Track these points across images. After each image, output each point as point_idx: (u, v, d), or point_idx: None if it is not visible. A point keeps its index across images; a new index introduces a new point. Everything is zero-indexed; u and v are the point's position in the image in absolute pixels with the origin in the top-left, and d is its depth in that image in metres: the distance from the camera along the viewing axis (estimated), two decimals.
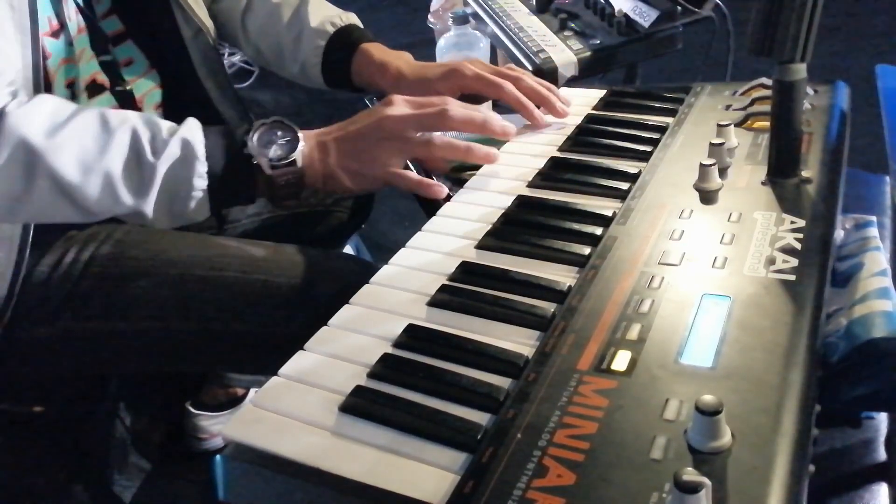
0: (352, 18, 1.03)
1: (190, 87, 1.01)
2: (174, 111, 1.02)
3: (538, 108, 0.90)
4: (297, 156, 0.76)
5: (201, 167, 0.73)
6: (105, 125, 0.72)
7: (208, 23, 1.01)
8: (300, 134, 0.77)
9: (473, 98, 0.90)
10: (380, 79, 0.96)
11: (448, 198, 0.78)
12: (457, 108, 0.78)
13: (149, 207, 0.73)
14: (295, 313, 0.82)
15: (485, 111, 0.82)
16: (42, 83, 0.80)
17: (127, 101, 0.93)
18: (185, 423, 1.36)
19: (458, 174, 0.96)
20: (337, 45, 1.00)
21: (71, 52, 0.88)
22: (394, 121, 0.77)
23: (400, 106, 0.78)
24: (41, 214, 0.74)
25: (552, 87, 0.92)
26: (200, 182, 0.73)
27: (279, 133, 0.76)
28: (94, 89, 0.91)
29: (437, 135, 0.79)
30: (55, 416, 1.00)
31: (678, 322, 0.52)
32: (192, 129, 0.74)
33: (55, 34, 0.85)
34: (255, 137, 0.75)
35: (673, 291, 0.55)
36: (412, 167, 0.84)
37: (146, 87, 0.98)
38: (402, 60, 0.96)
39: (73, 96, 0.89)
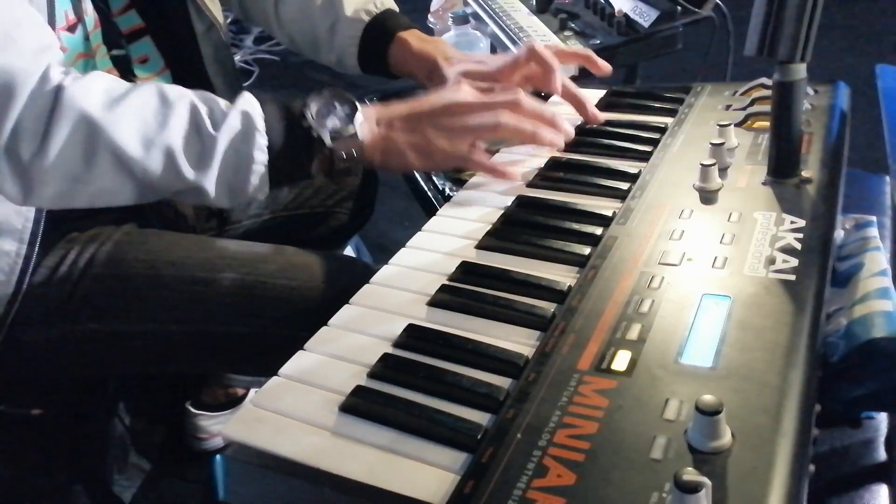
0: (387, 3, 1.01)
1: (198, 85, 1.01)
2: None
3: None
4: (358, 128, 0.73)
5: (262, 139, 0.71)
6: (164, 98, 0.70)
7: (220, 18, 1.00)
8: (359, 105, 0.74)
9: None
10: (418, 70, 0.96)
11: (448, 198, 0.78)
12: (528, 100, 0.77)
13: (210, 182, 0.71)
14: (295, 314, 0.82)
15: (552, 108, 0.81)
16: None
17: None
18: (185, 423, 1.36)
19: (458, 174, 0.96)
20: (373, 34, 0.98)
21: (88, 47, 0.87)
22: (465, 104, 0.76)
23: (468, 92, 0.77)
24: (102, 194, 0.71)
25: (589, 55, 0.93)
26: (261, 155, 0.71)
27: (337, 105, 0.74)
28: None
29: (506, 111, 0.76)
30: (55, 417, 1.00)
31: (678, 322, 0.52)
32: (250, 101, 0.72)
33: (71, 28, 0.85)
34: (314, 109, 0.73)
35: (673, 291, 0.55)
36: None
37: None
38: (439, 50, 0.95)
39: None
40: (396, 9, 1.02)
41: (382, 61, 0.98)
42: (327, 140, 0.73)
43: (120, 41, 0.90)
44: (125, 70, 0.91)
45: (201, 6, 0.96)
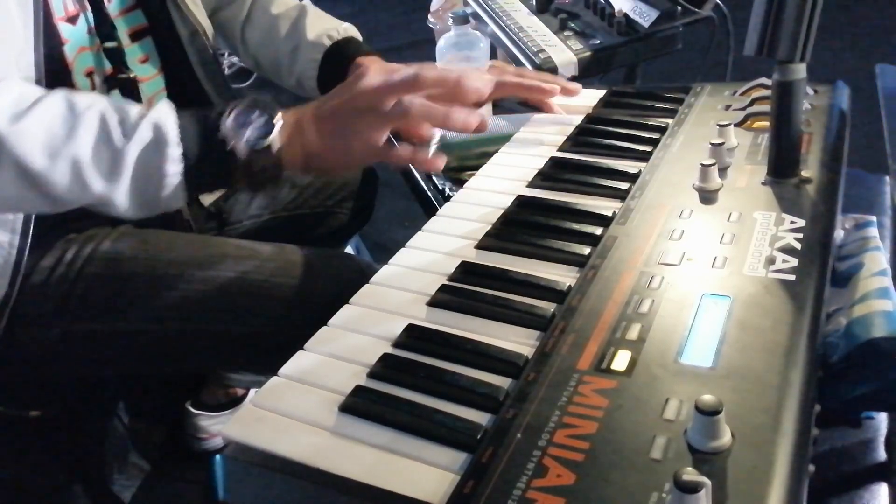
0: (350, 31, 1.02)
1: (192, 90, 1.01)
2: None
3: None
4: (273, 140, 0.71)
5: (174, 151, 0.69)
6: (72, 108, 0.69)
7: (205, 23, 1.01)
8: (277, 115, 0.72)
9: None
10: None
11: (448, 198, 0.78)
12: (429, 70, 0.74)
13: (120, 194, 0.70)
14: (294, 314, 0.82)
15: (457, 71, 0.77)
16: (57, 68, 0.79)
17: (129, 89, 0.92)
18: (185, 423, 1.36)
19: (458, 174, 0.96)
20: (333, 58, 0.99)
21: (92, 40, 0.87)
22: (369, 91, 0.72)
23: (374, 75, 0.74)
24: (7, 205, 0.71)
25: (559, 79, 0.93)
26: (174, 167, 0.70)
27: (255, 114, 0.72)
28: (112, 82, 0.91)
29: (416, 99, 0.73)
30: (55, 417, 1.00)
31: (678, 322, 0.52)
32: (164, 112, 0.71)
33: (72, 20, 0.85)
34: (230, 120, 0.71)
35: (673, 291, 0.55)
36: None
37: (156, 88, 0.98)
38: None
39: (92, 86, 0.88)
40: (360, 37, 1.02)
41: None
42: (241, 152, 0.71)
43: (112, 32, 0.90)
44: (118, 63, 0.91)
45: (185, 11, 0.96)
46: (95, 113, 0.69)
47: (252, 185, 0.74)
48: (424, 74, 0.73)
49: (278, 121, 0.72)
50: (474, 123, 0.74)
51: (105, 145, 0.68)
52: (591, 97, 0.94)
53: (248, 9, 1.08)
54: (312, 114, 0.74)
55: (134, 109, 0.70)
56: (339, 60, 0.99)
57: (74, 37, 0.85)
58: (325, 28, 1.01)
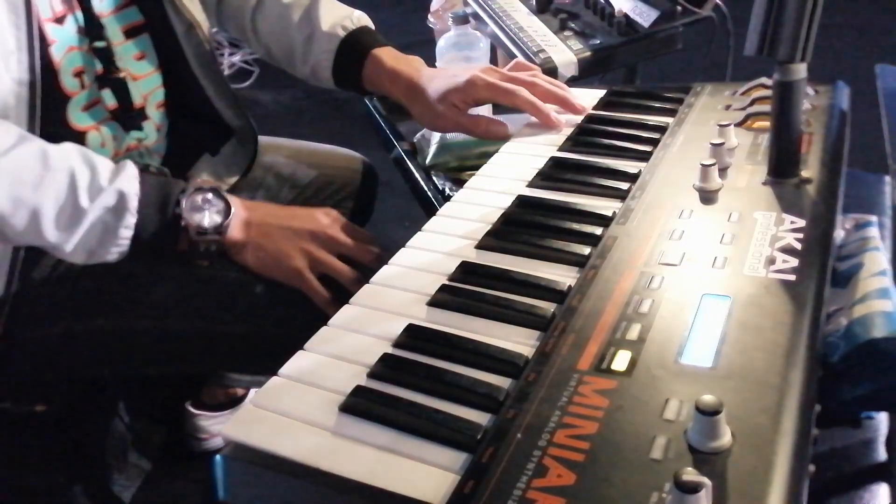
0: (363, 20, 1.02)
1: (188, 86, 1.01)
2: (176, 111, 1.01)
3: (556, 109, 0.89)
4: (224, 229, 0.79)
5: (131, 219, 0.75)
6: (45, 162, 0.73)
7: (201, 18, 1.00)
8: (233, 208, 0.79)
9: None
10: (391, 87, 0.96)
11: (448, 198, 0.78)
12: (346, 233, 0.83)
13: (70, 245, 0.74)
14: (295, 313, 0.82)
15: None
16: (44, 69, 0.79)
17: (120, 90, 0.92)
18: (185, 423, 1.36)
19: (458, 174, 0.96)
20: (348, 49, 0.99)
21: (81, 40, 0.87)
22: (323, 235, 0.81)
23: (334, 225, 0.83)
24: None
25: (565, 87, 0.92)
26: (126, 232, 0.75)
27: (212, 200, 0.79)
28: (104, 81, 0.91)
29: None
30: (55, 416, 1.00)
31: (678, 322, 0.52)
32: (130, 178, 0.76)
33: (59, 20, 0.85)
34: (190, 201, 0.78)
35: (673, 291, 0.55)
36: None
37: (152, 86, 0.97)
38: (413, 68, 0.95)
39: (82, 86, 0.88)
40: (373, 26, 1.03)
41: (356, 77, 0.99)
42: (192, 234, 0.78)
43: (101, 32, 0.90)
44: (107, 63, 0.91)
45: (179, 6, 0.96)
46: (66, 170, 0.73)
47: (190, 256, 0.80)
48: (343, 237, 0.83)
49: (232, 213, 0.79)
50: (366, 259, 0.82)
51: (69, 203, 0.73)
52: (591, 97, 0.94)
53: None
54: (262, 213, 0.83)
55: (105, 170, 0.75)
56: (353, 51, 0.99)
57: (61, 37, 0.85)
58: (340, 17, 1.01)
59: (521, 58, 1.09)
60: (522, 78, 0.89)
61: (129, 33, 0.94)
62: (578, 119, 0.88)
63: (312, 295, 0.80)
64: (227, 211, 0.79)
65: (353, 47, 0.99)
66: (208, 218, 0.78)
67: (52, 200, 0.72)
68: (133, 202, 0.75)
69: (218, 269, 0.84)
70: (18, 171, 0.71)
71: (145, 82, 0.96)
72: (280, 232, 0.81)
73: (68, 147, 0.76)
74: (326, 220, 0.83)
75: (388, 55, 0.97)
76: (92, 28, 0.88)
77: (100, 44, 0.89)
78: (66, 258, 0.77)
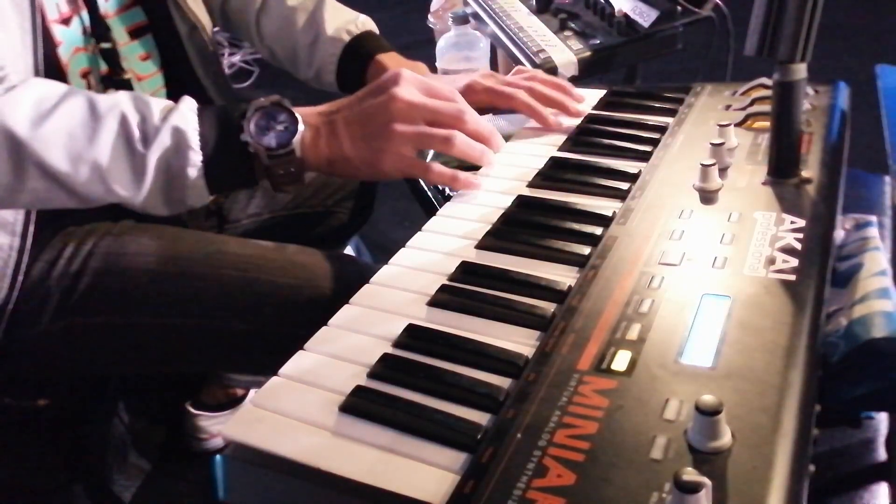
0: (368, 25, 1.02)
1: (191, 87, 1.01)
2: None
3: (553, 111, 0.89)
4: (296, 144, 0.72)
5: (195, 157, 0.70)
6: (93, 111, 0.69)
7: (204, 19, 1.01)
8: (299, 117, 0.72)
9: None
10: None
11: (448, 198, 0.78)
12: (474, 116, 0.76)
13: (142, 196, 0.71)
14: (294, 313, 0.82)
15: (490, 127, 0.79)
16: (52, 70, 0.79)
17: (125, 90, 0.92)
18: (185, 423, 1.36)
19: None
20: (352, 54, 0.99)
21: (87, 41, 0.87)
22: (405, 104, 0.72)
23: (409, 87, 0.74)
24: (37, 201, 0.71)
25: (564, 85, 0.91)
26: (194, 171, 0.70)
27: (278, 117, 0.72)
28: (109, 82, 0.91)
29: (459, 134, 0.74)
30: (55, 415, 1.00)
31: (678, 322, 0.52)
32: (186, 114, 0.71)
33: (66, 21, 0.85)
34: (253, 123, 0.71)
35: (673, 291, 0.55)
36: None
37: (156, 86, 0.98)
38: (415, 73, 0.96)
39: (89, 87, 0.88)
40: (377, 31, 1.03)
41: (359, 81, 0.99)
42: (263, 158, 0.71)
43: (107, 33, 0.90)
44: (113, 64, 0.91)
45: (183, 7, 0.96)
46: (116, 116, 0.69)
47: (274, 185, 0.74)
48: (469, 120, 0.75)
49: (301, 123, 0.72)
50: (491, 165, 0.77)
51: (126, 151, 0.69)
52: (591, 97, 0.94)
53: None
54: (344, 115, 0.74)
55: (157, 109, 0.71)
56: (358, 56, 0.99)
57: (68, 38, 0.85)
58: (344, 21, 1.01)
59: (521, 58, 1.10)
60: (520, 82, 0.88)
61: (134, 34, 0.94)
62: (578, 119, 0.88)
63: (436, 178, 0.75)
64: (294, 124, 0.72)
65: (358, 52, 0.99)
66: (275, 137, 0.71)
67: (108, 150, 0.68)
68: (193, 138, 0.69)
69: (217, 268, 0.84)
70: (69, 126, 0.68)
71: (150, 82, 0.96)
72: (364, 127, 0.73)
73: (118, 93, 0.72)
74: (405, 89, 0.73)
75: (391, 60, 0.98)
76: (98, 29, 0.89)
77: (106, 45, 0.90)
78: (149, 211, 0.73)
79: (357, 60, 0.99)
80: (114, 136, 0.69)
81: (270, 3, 1.06)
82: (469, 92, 0.88)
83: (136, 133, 0.69)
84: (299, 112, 0.73)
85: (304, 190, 1.13)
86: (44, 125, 0.67)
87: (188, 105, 0.72)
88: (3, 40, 0.73)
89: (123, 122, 0.69)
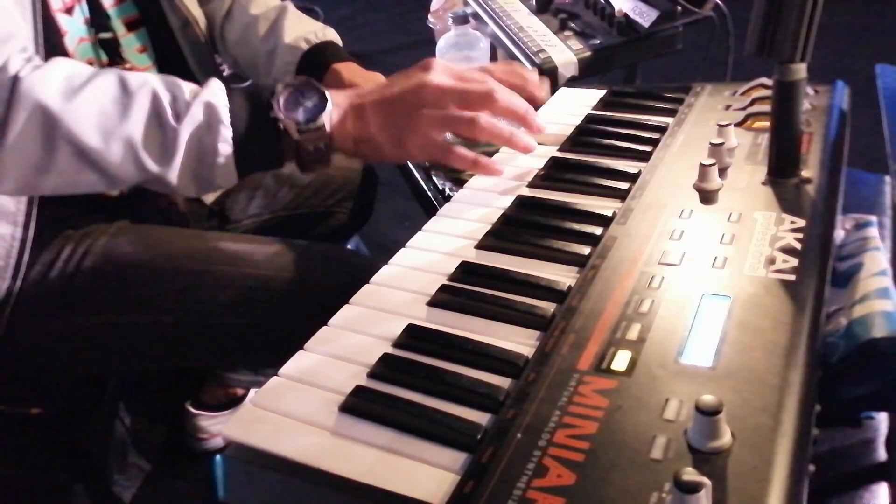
0: (329, 35, 1.02)
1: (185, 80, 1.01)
2: None
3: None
4: (325, 119, 0.72)
5: (226, 132, 0.70)
6: (125, 88, 0.69)
7: (197, 13, 1.00)
8: (329, 95, 0.73)
9: None
10: None
11: (448, 198, 0.78)
12: (504, 93, 0.74)
13: (173, 174, 0.70)
14: (291, 309, 0.82)
15: (524, 101, 0.76)
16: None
17: None
18: (185, 423, 1.36)
19: (458, 174, 0.96)
20: (308, 63, 1.00)
21: (89, 31, 0.87)
22: (435, 90, 0.72)
23: (440, 73, 0.74)
24: (66, 183, 0.70)
25: (520, 73, 0.82)
26: (226, 147, 0.70)
27: (307, 94, 0.72)
28: None
29: (483, 115, 0.73)
30: (55, 416, 1.00)
31: (678, 322, 0.52)
32: (216, 91, 0.71)
33: (69, 10, 0.85)
34: (282, 100, 0.71)
35: (673, 291, 0.55)
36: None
37: None
38: (370, 83, 0.95)
39: None
40: (339, 42, 1.03)
41: None
42: (293, 132, 0.71)
43: (106, 22, 0.90)
44: (113, 54, 0.91)
45: (175, 2, 0.96)
46: (147, 93, 0.69)
47: (302, 165, 0.74)
48: (500, 97, 0.73)
49: (330, 102, 0.72)
50: (533, 148, 0.76)
51: (157, 126, 0.69)
52: (591, 97, 0.94)
53: (229, 7, 1.08)
54: (374, 98, 0.74)
55: (186, 89, 0.71)
56: (314, 65, 0.99)
57: (72, 27, 0.85)
58: (304, 31, 1.01)
59: (521, 58, 1.10)
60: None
61: (130, 26, 0.95)
62: (578, 119, 0.88)
63: (457, 162, 0.74)
64: (322, 103, 0.72)
65: (315, 61, 0.99)
66: (304, 113, 0.71)
67: (140, 125, 0.68)
68: (224, 113, 0.70)
69: (210, 264, 0.83)
70: (101, 102, 0.68)
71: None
72: (392, 108, 0.73)
73: (146, 73, 0.72)
74: (435, 75, 0.73)
75: (346, 70, 0.98)
76: (99, 18, 0.89)
77: (106, 35, 0.90)
78: (177, 191, 0.73)
79: (313, 69, 0.99)
80: (146, 112, 0.69)
81: (234, 12, 1.07)
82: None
83: (168, 109, 0.69)
84: (329, 92, 0.73)
85: (304, 190, 1.13)
86: (75, 100, 0.67)
87: (218, 84, 0.72)
88: (19, 21, 0.73)
89: (155, 99, 0.69)
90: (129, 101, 0.68)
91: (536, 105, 0.83)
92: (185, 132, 0.69)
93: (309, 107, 0.72)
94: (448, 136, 0.91)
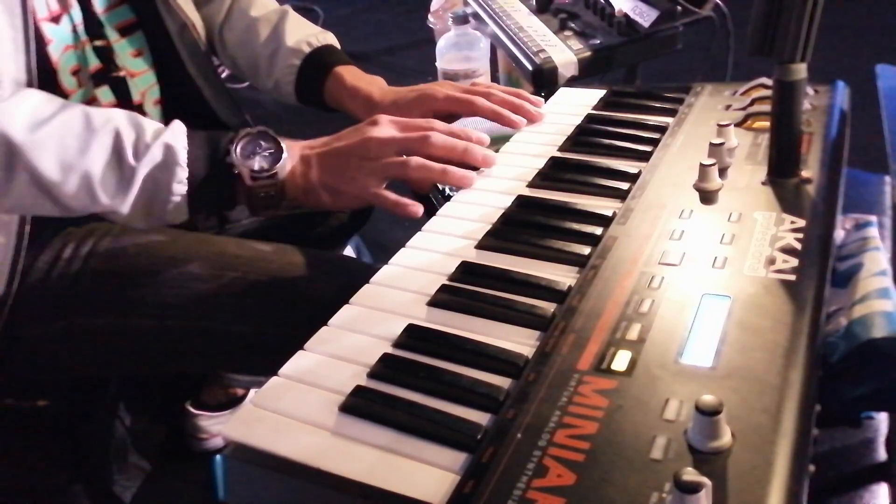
0: (328, 39, 1.03)
1: (184, 85, 1.01)
2: (172, 109, 1.02)
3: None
4: (279, 169, 0.76)
5: (182, 173, 0.73)
6: (88, 124, 0.72)
7: (194, 17, 1.01)
8: (284, 146, 0.77)
9: (446, 116, 0.89)
10: (350, 103, 0.97)
11: (448, 198, 0.78)
12: (439, 136, 0.78)
13: (125, 208, 0.73)
14: (294, 313, 0.82)
15: (468, 134, 0.81)
16: (43, 69, 0.79)
17: (120, 88, 0.93)
18: (185, 423, 1.36)
19: None
20: (311, 66, 1.00)
21: (76, 39, 0.87)
22: (377, 143, 0.76)
23: (385, 127, 0.78)
24: (19, 207, 0.74)
25: (520, 91, 0.93)
26: (180, 187, 0.74)
27: (263, 144, 0.76)
28: (99, 78, 0.91)
29: (414, 158, 0.77)
30: (56, 415, 1.00)
31: (678, 322, 0.52)
32: (177, 133, 0.74)
33: (55, 19, 0.85)
34: (239, 147, 0.75)
35: (673, 291, 0.55)
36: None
37: (148, 83, 0.98)
38: (374, 86, 0.96)
39: (79, 84, 0.88)
40: (338, 45, 1.04)
41: (318, 94, 1.00)
42: (247, 179, 0.75)
43: (101, 30, 0.90)
44: (107, 61, 0.91)
45: (172, 6, 0.96)
46: (110, 130, 0.72)
47: (252, 208, 0.78)
48: (433, 140, 0.77)
49: (285, 152, 0.76)
50: (469, 184, 0.78)
51: (116, 163, 0.72)
52: (591, 97, 0.94)
53: (228, 9, 1.08)
54: (321, 151, 0.79)
55: (150, 128, 0.74)
56: (317, 68, 1.00)
57: (58, 36, 0.85)
58: (305, 35, 1.02)
59: (521, 58, 1.10)
60: (478, 89, 0.89)
61: (124, 31, 0.95)
62: (578, 119, 0.88)
63: (392, 208, 0.77)
64: (278, 152, 0.76)
65: (317, 64, 1.00)
66: (259, 162, 0.75)
67: (100, 162, 0.71)
68: (181, 155, 0.73)
69: (216, 269, 0.84)
70: (63, 136, 0.71)
71: (142, 79, 0.96)
72: (337, 160, 0.77)
73: (113, 110, 0.75)
74: (380, 130, 0.78)
75: (349, 73, 0.99)
76: (92, 26, 0.89)
77: (100, 42, 0.90)
78: (126, 223, 0.76)
79: (316, 72, 1.00)
80: (107, 149, 0.72)
81: (234, 15, 1.07)
82: (428, 101, 0.89)
83: (129, 147, 0.72)
84: (284, 142, 0.77)
85: None
86: (39, 132, 0.70)
87: (179, 126, 0.76)
88: None
89: (117, 137, 0.72)
90: (90, 137, 0.71)
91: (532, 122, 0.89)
92: (143, 170, 0.72)
93: (265, 155, 0.76)
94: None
